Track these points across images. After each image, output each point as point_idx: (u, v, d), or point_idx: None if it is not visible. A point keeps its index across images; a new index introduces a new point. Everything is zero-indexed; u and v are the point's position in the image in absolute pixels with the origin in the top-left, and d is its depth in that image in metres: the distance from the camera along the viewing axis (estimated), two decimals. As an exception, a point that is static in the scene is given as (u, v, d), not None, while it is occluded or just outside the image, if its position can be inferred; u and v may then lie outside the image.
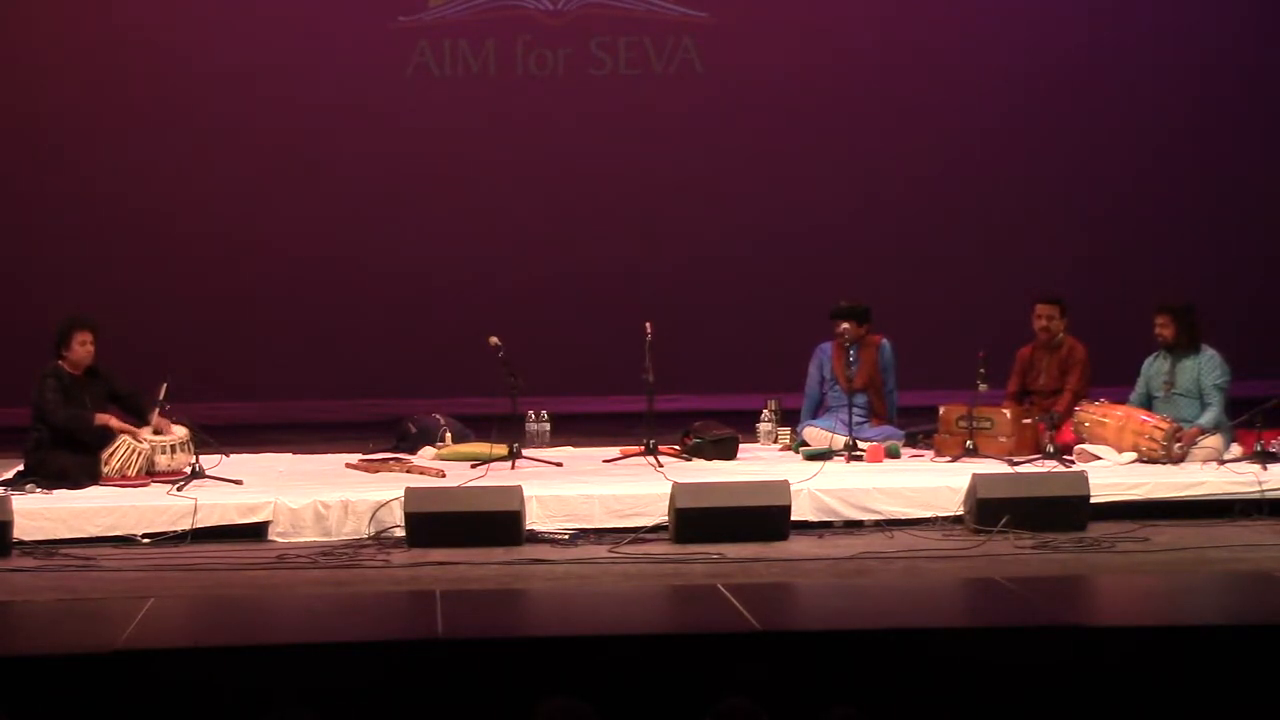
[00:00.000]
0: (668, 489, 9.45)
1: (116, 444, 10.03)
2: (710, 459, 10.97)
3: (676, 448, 11.12)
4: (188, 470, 10.03)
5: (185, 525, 9.31)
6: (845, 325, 11.37)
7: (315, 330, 14.27)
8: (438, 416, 11.72)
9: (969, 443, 10.78)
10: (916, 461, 10.93)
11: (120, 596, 7.96)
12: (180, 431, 10.21)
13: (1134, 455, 10.45)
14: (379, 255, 14.33)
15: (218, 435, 10.50)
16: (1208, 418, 10.58)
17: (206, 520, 9.35)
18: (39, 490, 9.72)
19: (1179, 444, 10.43)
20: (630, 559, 8.89)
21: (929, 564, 8.76)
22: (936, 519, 9.64)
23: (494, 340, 10.96)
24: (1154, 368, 10.94)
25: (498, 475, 10.22)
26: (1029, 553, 8.94)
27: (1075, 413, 10.79)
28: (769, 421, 11.82)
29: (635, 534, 9.35)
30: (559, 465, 10.67)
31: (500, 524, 9.22)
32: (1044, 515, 9.39)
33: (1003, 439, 10.81)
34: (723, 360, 14.25)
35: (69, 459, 9.94)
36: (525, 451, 10.81)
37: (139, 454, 10.03)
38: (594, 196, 14.48)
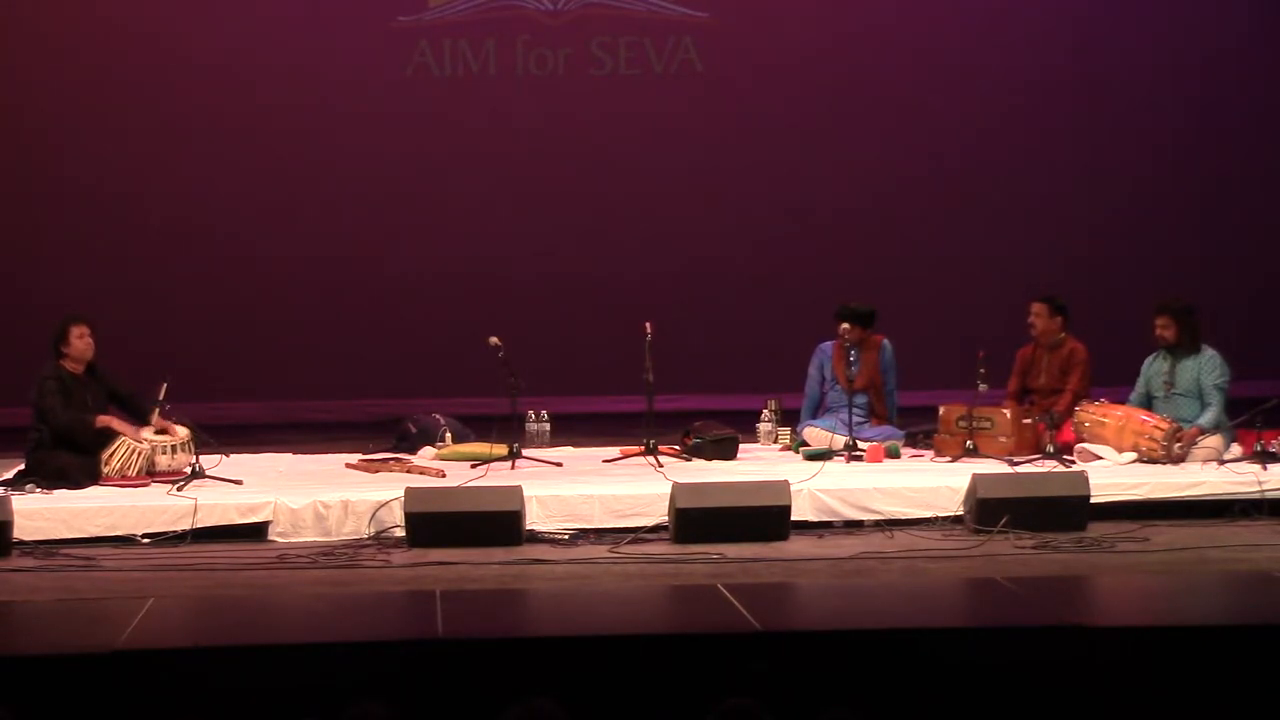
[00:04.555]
0: (668, 489, 9.45)
1: (116, 444, 10.03)
2: (710, 459, 10.96)
3: (676, 448, 11.11)
4: (188, 470, 10.03)
5: (185, 525, 9.31)
6: (846, 326, 11.37)
7: (315, 330, 14.27)
8: (438, 416, 11.71)
9: (969, 443, 10.78)
10: (916, 461, 10.93)
11: (120, 596, 7.96)
12: (180, 431, 10.21)
13: (1134, 455, 10.45)
14: (379, 255, 14.33)
15: (218, 435, 10.50)
16: (1208, 418, 10.58)
17: (206, 520, 9.35)
18: (39, 490, 9.72)
19: (1179, 444, 10.43)
20: (630, 559, 8.89)
21: (929, 564, 8.76)
22: (936, 519, 9.64)
23: (494, 340, 10.96)
24: (1154, 368, 10.94)
25: (498, 475, 10.22)
26: (1029, 553, 8.94)
27: (1075, 413, 10.79)
28: (769, 421, 11.81)
29: (635, 534, 9.35)
30: (559, 465, 10.67)
31: (500, 524, 9.22)
32: (1044, 515, 9.39)
33: (1003, 439, 10.81)
34: (723, 360, 14.25)
35: (69, 459, 9.94)
36: (525, 451, 10.80)
37: (139, 454, 10.03)
38: (594, 196, 14.48)
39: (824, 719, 5.54)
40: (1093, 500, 9.61)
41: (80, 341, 10.19)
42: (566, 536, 9.34)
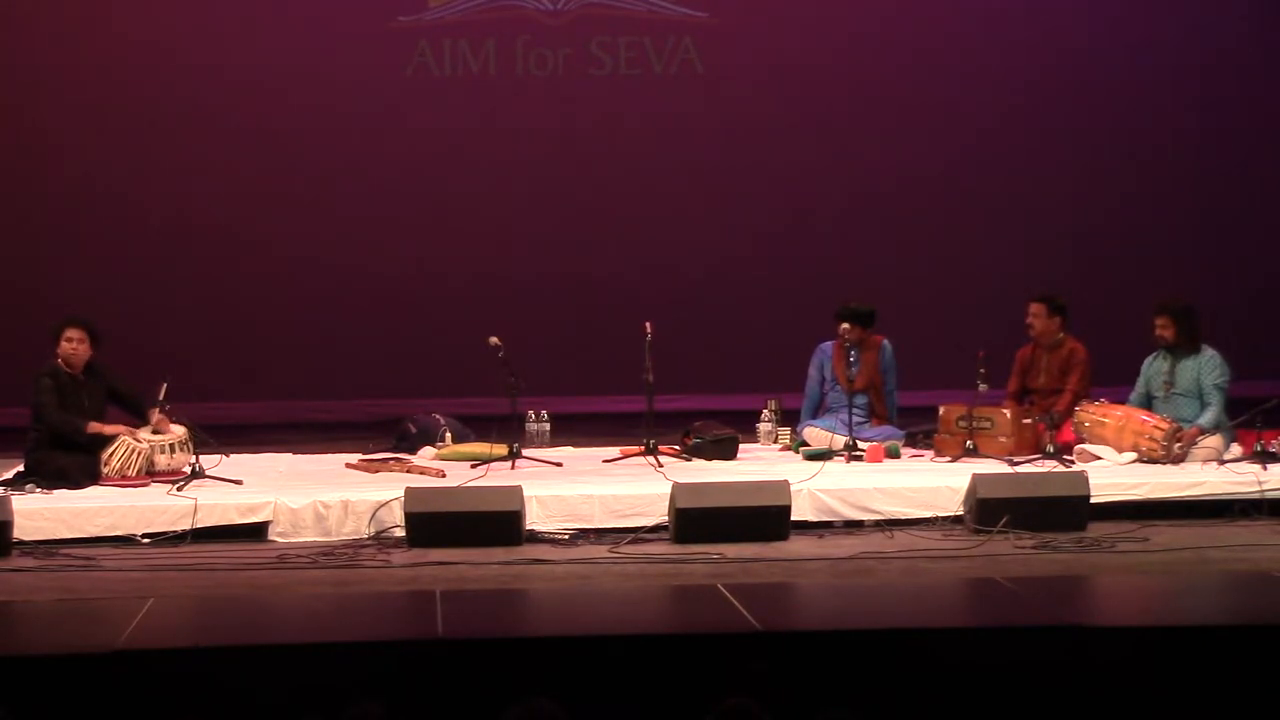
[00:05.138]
0: (668, 489, 9.45)
1: (116, 444, 10.02)
2: (710, 459, 10.96)
3: (676, 448, 11.11)
4: (188, 470, 10.03)
5: (185, 525, 9.31)
6: (846, 326, 11.37)
7: (315, 330, 14.27)
8: (438, 416, 11.72)
9: (969, 443, 10.78)
10: (916, 461, 10.93)
11: (120, 596, 7.96)
12: (180, 431, 10.20)
13: (1134, 455, 10.45)
14: (379, 255, 14.33)
15: (218, 435, 10.50)
16: (1208, 418, 10.58)
17: (206, 520, 9.35)
18: (39, 490, 9.71)
19: (1179, 444, 10.43)
20: (630, 559, 8.89)
21: (929, 564, 8.75)
22: (936, 519, 9.64)
23: (494, 340, 10.96)
24: (1154, 368, 10.94)
25: (498, 475, 10.22)
26: (1029, 553, 8.94)
27: (1075, 413, 10.79)
28: (769, 421, 11.81)
29: (635, 534, 9.35)
30: (559, 465, 10.67)
31: (500, 524, 9.22)
32: (1044, 515, 9.39)
33: (1003, 439, 10.81)
34: (723, 360, 14.25)
35: (68, 459, 9.94)
36: (525, 451, 10.80)
37: (139, 454, 10.03)
38: (594, 196, 14.48)
39: (823, 719, 5.54)
40: (1093, 500, 9.61)
41: (68, 345, 10.15)
42: (566, 536, 9.33)
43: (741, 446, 11.24)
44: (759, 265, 14.48)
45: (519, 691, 5.68)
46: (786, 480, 9.58)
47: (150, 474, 10.02)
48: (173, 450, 10.11)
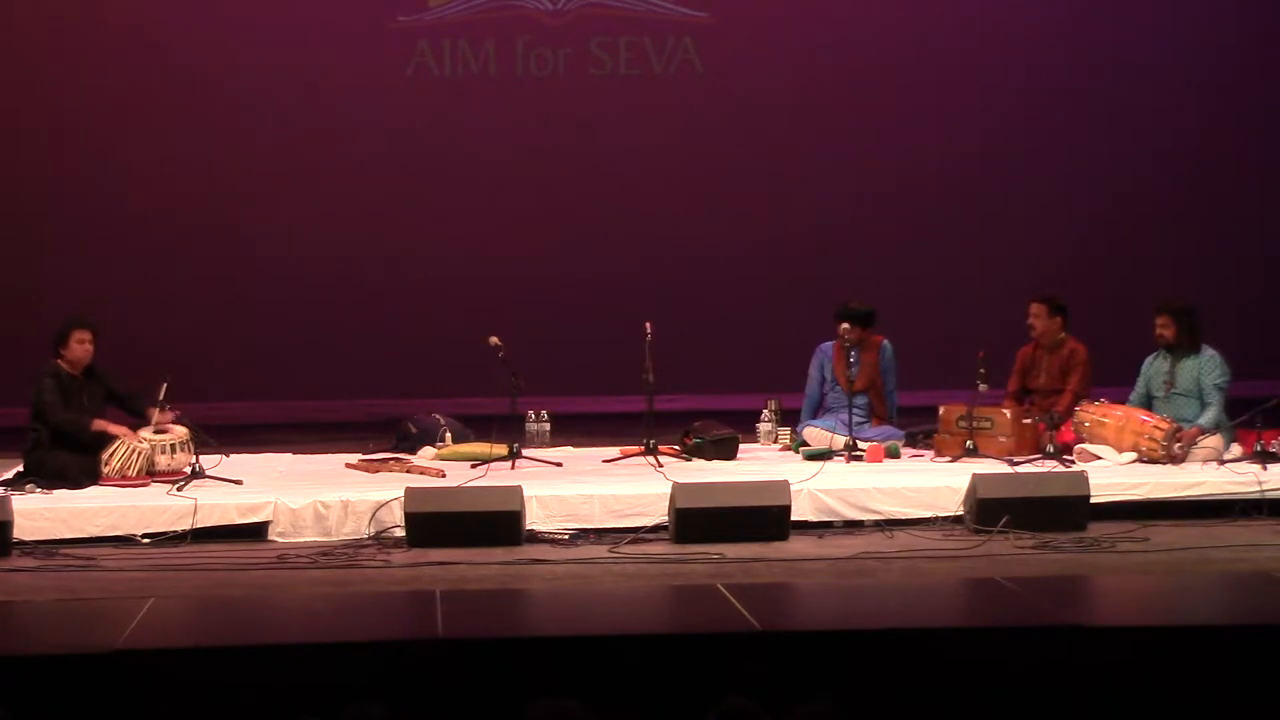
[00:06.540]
0: (668, 489, 9.45)
1: (116, 444, 10.02)
2: (710, 459, 10.96)
3: (676, 448, 11.11)
4: (188, 470, 10.03)
5: (185, 525, 9.31)
6: (846, 326, 11.37)
7: (315, 330, 14.28)
8: (438, 416, 11.72)
9: (969, 443, 10.78)
10: (916, 461, 10.92)
11: (120, 596, 7.96)
12: (180, 431, 10.20)
13: (1134, 455, 10.45)
14: (379, 255, 14.33)
15: (218, 435, 10.50)
16: (1208, 418, 10.58)
17: (206, 520, 9.35)
18: (39, 490, 9.71)
19: (1179, 444, 10.43)
20: (630, 559, 8.89)
21: (929, 564, 8.75)
22: (936, 519, 9.64)
23: (494, 340, 10.97)
24: (1154, 368, 10.94)
25: (498, 475, 10.21)
26: (1029, 553, 8.94)
27: (1075, 413, 10.79)
28: (769, 421, 11.81)
29: (635, 534, 9.35)
30: (559, 465, 10.67)
31: (500, 524, 9.23)
32: (1044, 515, 9.39)
33: (1003, 439, 10.80)
34: (723, 360, 14.25)
35: (69, 459, 9.94)
36: (525, 451, 10.80)
37: (139, 454, 10.02)
38: (594, 197, 14.48)
39: (808, 710, 5.53)
40: (1093, 500, 9.61)
41: (79, 347, 10.18)
42: (566, 536, 9.33)
43: (741, 446, 11.24)
44: (759, 265, 14.48)
45: (519, 691, 5.68)
46: (786, 480, 9.58)
47: (150, 474, 10.02)
48: (173, 450, 10.11)
